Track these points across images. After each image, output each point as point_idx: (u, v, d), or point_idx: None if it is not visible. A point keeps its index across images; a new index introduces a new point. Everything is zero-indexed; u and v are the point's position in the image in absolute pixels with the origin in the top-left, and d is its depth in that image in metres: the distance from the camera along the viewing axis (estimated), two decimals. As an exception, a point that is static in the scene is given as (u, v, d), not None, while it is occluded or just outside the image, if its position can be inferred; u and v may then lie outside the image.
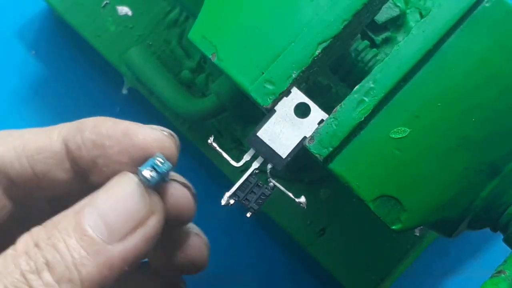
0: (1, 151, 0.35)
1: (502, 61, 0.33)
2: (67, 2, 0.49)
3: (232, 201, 0.34)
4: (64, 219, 0.32)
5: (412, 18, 0.40)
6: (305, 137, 0.34)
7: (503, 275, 0.33)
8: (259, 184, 0.34)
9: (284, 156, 0.34)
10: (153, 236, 0.33)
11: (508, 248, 0.36)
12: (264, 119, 0.34)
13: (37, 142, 0.35)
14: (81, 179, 0.36)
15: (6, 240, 0.37)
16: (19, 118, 0.38)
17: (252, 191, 0.34)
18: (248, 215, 0.34)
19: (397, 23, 0.40)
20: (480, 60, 0.33)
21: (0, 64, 0.52)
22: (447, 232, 0.36)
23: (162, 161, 0.33)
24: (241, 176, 0.34)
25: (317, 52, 0.33)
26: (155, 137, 0.34)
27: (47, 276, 0.31)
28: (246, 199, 0.34)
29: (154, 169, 0.33)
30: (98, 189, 0.33)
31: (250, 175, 0.34)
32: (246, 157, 0.35)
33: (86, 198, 0.33)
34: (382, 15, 0.39)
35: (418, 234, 0.46)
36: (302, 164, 0.44)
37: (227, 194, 0.34)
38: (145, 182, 0.33)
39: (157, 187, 0.33)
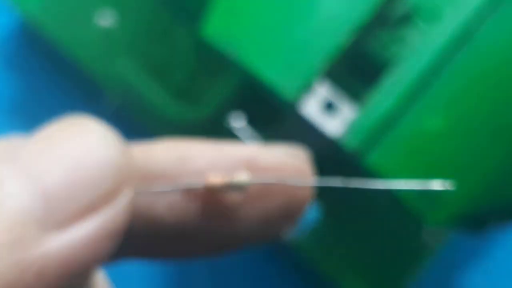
0: None
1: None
2: (45, 14, 0.47)
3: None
4: None
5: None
6: (332, 133, 0.32)
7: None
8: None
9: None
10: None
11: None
12: (288, 115, 0.33)
13: None
14: None
15: None
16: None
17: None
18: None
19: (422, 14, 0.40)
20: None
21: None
22: (478, 226, 0.35)
23: None
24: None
25: (345, 44, 0.32)
26: None
27: None
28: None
29: None
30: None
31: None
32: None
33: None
34: (404, 6, 0.38)
35: (431, 241, 0.45)
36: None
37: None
38: None
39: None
